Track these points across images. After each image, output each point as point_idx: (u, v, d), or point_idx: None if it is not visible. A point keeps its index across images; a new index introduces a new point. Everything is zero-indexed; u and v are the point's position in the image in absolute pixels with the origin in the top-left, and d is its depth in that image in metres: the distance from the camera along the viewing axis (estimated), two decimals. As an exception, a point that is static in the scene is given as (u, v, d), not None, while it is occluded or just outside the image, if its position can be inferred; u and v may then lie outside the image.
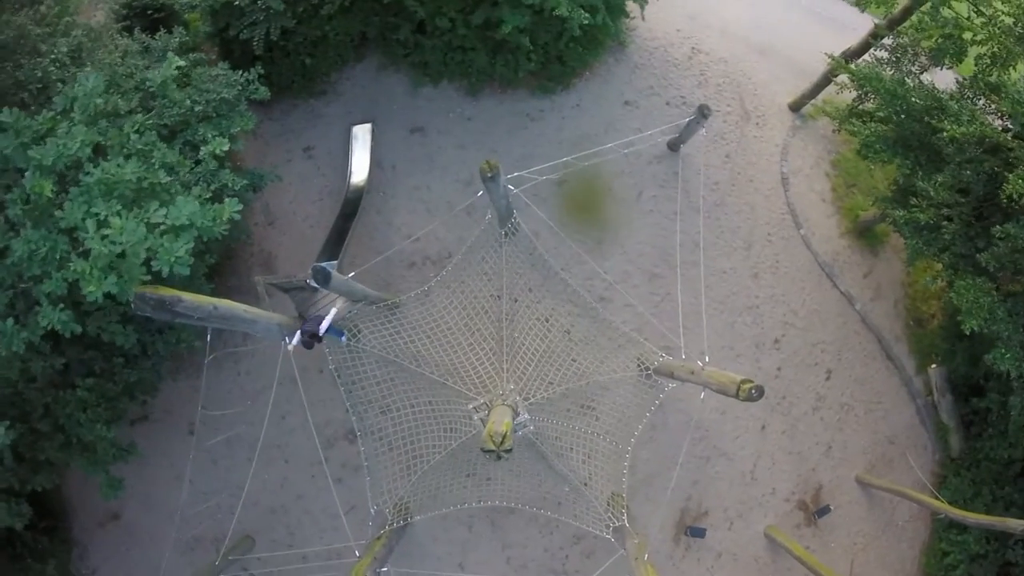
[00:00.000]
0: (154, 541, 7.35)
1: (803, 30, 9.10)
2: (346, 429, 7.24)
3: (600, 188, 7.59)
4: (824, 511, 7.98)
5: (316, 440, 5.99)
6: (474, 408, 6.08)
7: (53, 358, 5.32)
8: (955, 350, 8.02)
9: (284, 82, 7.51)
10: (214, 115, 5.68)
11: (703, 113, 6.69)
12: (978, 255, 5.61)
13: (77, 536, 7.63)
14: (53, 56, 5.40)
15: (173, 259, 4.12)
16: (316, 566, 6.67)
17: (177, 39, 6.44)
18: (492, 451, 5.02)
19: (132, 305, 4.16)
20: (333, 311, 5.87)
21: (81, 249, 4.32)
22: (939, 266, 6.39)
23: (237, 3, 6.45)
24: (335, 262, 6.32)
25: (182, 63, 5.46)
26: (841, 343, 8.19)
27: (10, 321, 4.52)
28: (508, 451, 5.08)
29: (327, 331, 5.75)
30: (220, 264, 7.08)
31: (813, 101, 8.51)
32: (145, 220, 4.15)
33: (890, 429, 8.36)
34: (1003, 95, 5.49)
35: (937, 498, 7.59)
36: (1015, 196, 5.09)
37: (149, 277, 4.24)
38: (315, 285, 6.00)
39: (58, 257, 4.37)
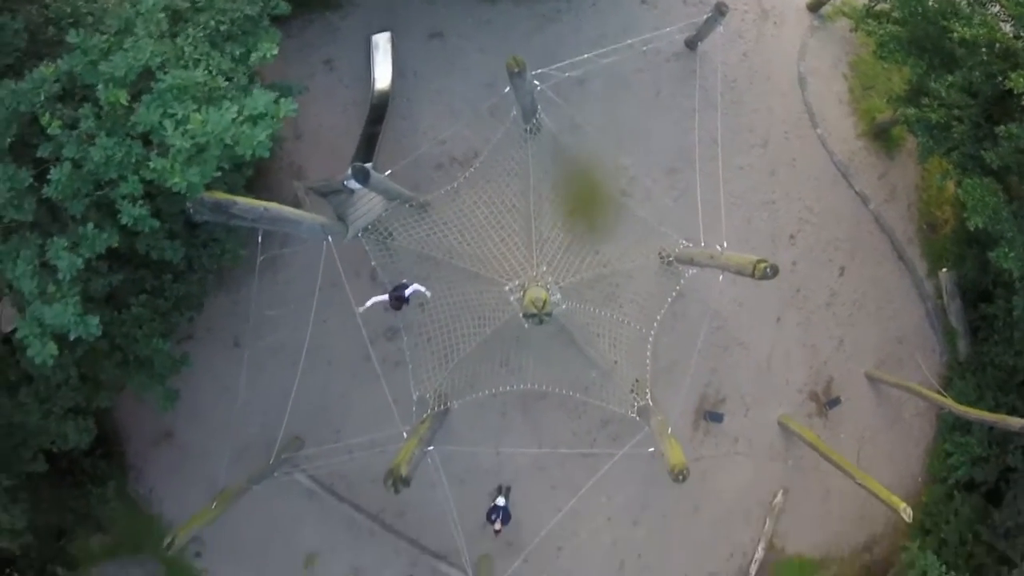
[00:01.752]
0: (206, 454, 7.79)
1: (822, -71, 8.89)
2: (384, 327, 7.67)
3: (620, 86, 7.69)
4: (835, 402, 8.41)
5: (364, 333, 6.39)
6: (509, 290, 6.44)
7: (111, 275, 5.64)
8: (965, 255, 8.15)
9: (300, -3, 7.50)
10: (239, 33, 5.65)
11: (720, 11, 6.70)
12: (983, 153, 5.74)
13: (132, 460, 8.07)
14: None
15: (256, 143, 4.48)
16: (361, 456, 7.19)
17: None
18: (535, 315, 5.40)
19: (191, 210, 4.50)
20: (416, 287, 6.26)
21: (156, 152, 4.67)
22: (949, 166, 6.51)
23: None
24: (370, 164, 6.58)
25: None
26: (855, 242, 8.41)
27: (90, 225, 4.85)
28: (548, 314, 5.46)
29: (412, 292, 6.22)
30: (254, 178, 7.33)
31: (832, 1, 8.41)
32: (223, 113, 4.52)
33: (899, 329, 8.65)
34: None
35: (942, 394, 7.86)
36: (1016, 92, 5.22)
37: (226, 166, 4.59)
38: (351, 187, 6.32)
39: (133, 160, 4.72)
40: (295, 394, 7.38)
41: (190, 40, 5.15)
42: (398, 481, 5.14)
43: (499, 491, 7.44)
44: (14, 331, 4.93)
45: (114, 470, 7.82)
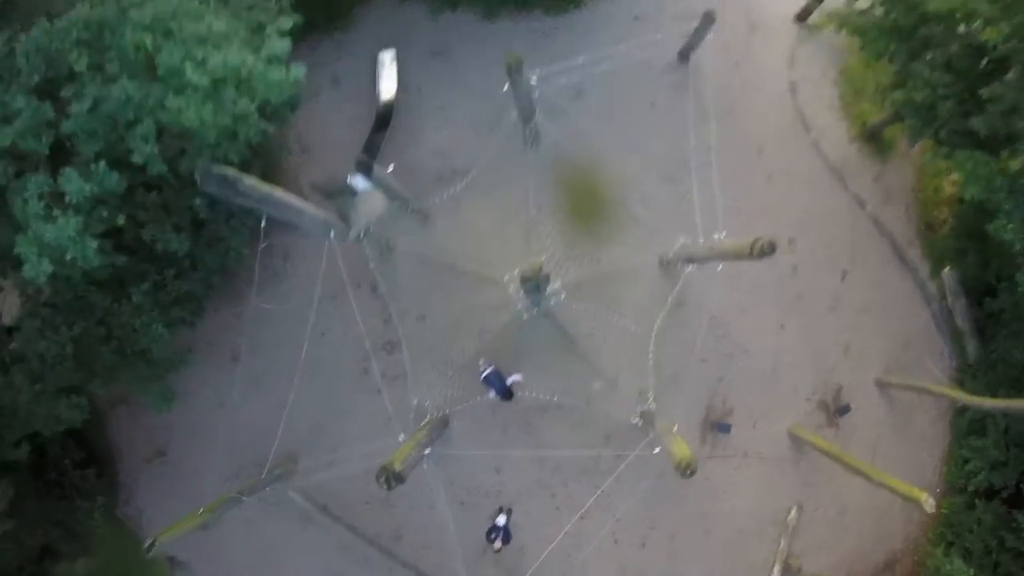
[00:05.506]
0: (199, 475, 7.63)
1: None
2: (384, 340, 7.58)
3: (616, 98, 7.82)
4: (845, 410, 8.18)
5: (367, 342, 6.34)
6: (508, 279, 6.38)
7: (115, 256, 5.65)
8: (966, 249, 8.11)
9: (309, 18, 7.75)
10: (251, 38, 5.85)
11: (709, 18, 6.91)
12: (971, 120, 5.77)
13: (123, 478, 7.93)
14: None
15: (272, 82, 4.59)
16: (357, 473, 6.91)
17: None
18: (530, 280, 5.14)
19: (198, 179, 4.53)
20: (517, 376, 6.50)
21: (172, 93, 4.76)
22: (939, 146, 6.52)
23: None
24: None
25: None
26: (854, 245, 8.36)
27: (102, 163, 4.92)
28: (546, 278, 5.24)
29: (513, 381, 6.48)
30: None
31: (819, 12, 8.64)
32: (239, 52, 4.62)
33: (906, 333, 8.50)
34: None
35: (957, 390, 7.72)
36: (991, 46, 5.34)
37: (243, 104, 4.62)
38: (355, 186, 6.42)
39: (151, 102, 4.84)
40: (289, 411, 7.22)
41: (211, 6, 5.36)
42: (391, 477, 4.92)
43: (500, 511, 7.23)
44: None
45: (104, 487, 7.65)
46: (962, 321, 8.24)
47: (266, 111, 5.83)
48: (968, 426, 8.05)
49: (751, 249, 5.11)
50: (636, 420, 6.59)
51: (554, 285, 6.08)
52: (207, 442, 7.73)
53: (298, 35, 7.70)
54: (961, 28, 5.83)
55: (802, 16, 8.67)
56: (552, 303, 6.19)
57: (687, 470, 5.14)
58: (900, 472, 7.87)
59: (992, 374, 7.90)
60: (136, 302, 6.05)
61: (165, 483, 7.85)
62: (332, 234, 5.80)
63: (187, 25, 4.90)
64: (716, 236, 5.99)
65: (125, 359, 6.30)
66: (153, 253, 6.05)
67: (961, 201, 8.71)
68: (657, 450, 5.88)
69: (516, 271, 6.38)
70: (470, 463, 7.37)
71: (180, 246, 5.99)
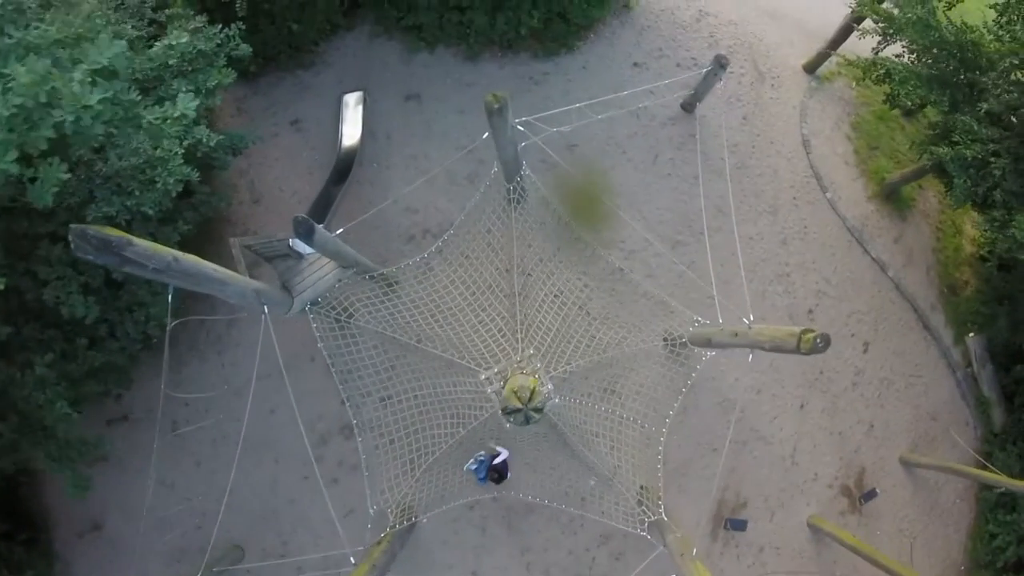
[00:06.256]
0: (137, 553, 6.62)
1: (812, -7, 8.84)
2: (342, 424, 6.51)
3: (614, 151, 7.08)
4: (871, 495, 7.33)
5: (305, 437, 5.22)
6: (487, 379, 5.27)
7: (5, 326, 4.66)
8: (996, 314, 7.60)
9: (270, 52, 7.00)
10: (189, 70, 5.15)
11: (720, 63, 6.22)
12: None
13: (59, 550, 6.94)
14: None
15: (81, 106, 3.29)
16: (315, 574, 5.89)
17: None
18: (519, 411, 4.22)
19: (71, 243, 3.27)
20: (506, 453, 5.32)
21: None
22: (989, 213, 5.90)
23: (215, -40, 5.99)
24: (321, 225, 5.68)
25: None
26: (877, 313, 7.63)
27: None
28: (538, 410, 4.26)
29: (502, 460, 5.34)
30: (196, 238, 6.38)
31: (828, 63, 8.15)
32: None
33: (931, 405, 7.79)
34: None
35: (990, 469, 6.99)
36: None
37: (51, 133, 3.38)
38: (299, 250, 5.38)
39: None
40: (235, 496, 6.22)
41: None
42: None
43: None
44: None
45: (36, 559, 6.62)
46: (988, 389, 7.70)
47: (195, 155, 5.02)
48: (997, 499, 7.47)
49: (798, 344, 4.01)
50: (642, 531, 5.46)
51: (546, 388, 4.97)
52: (147, 520, 6.57)
53: (256, 70, 6.95)
54: (1018, 75, 5.26)
55: (811, 67, 8.15)
56: (543, 407, 5.09)
57: None
58: (925, 552, 7.25)
59: (1023, 443, 7.33)
60: (40, 374, 5.03)
61: (102, 559, 6.79)
62: (266, 309, 4.56)
63: (13, 32, 3.64)
64: (745, 321, 4.77)
65: (33, 438, 5.27)
66: (59, 319, 5.06)
67: (983, 260, 8.34)
68: None
69: (496, 369, 5.35)
70: (443, 565, 6.27)
71: (88, 311, 5.01)
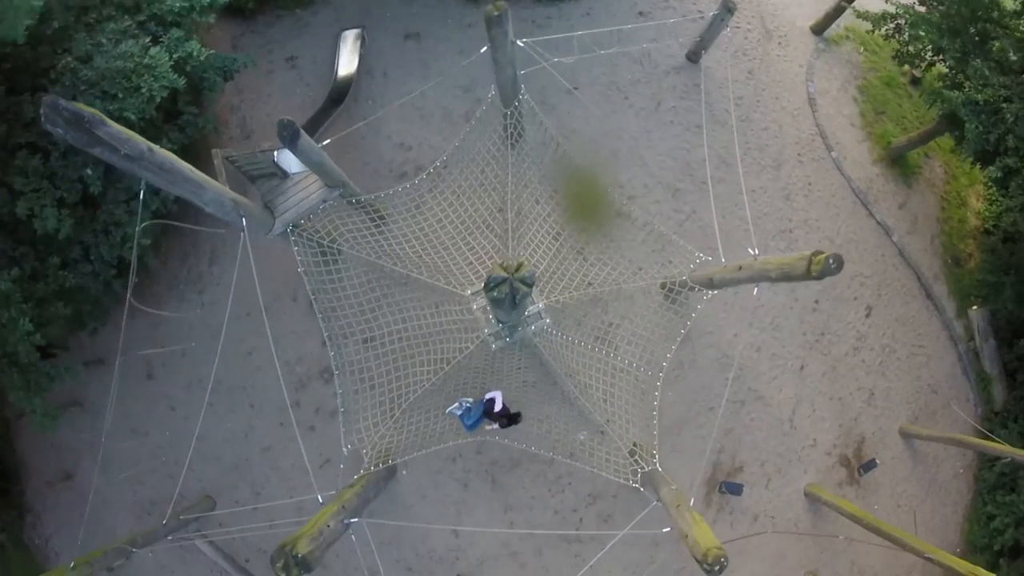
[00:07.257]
0: (108, 505, 6.41)
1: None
2: (322, 367, 6.21)
3: (616, 96, 6.84)
4: (870, 465, 7.08)
5: (282, 379, 4.88)
6: (472, 294, 4.80)
7: None
8: (1002, 283, 7.39)
9: (264, -13, 6.80)
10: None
11: (728, 8, 6.03)
12: None
13: (30, 501, 6.76)
14: None
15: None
16: (284, 530, 5.57)
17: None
18: (504, 281, 3.59)
19: (42, 114, 2.95)
20: (500, 394, 4.94)
21: None
22: (1005, 163, 5.69)
23: None
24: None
25: None
26: (880, 277, 7.42)
27: None
28: (526, 285, 3.66)
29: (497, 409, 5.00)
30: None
31: (836, 26, 8.01)
32: None
33: (932, 377, 7.56)
34: None
35: (996, 441, 6.73)
36: None
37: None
38: (284, 167, 5.10)
39: None
40: (208, 444, 6.02)
41: None
42: (293, 564, 3.36)
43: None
44: None
45: (5, 511, 6.51)
46: (990, 365, 7.50)
47: (184, 67, 4.78)
48: (996, 480, 7.23)
49: (809, 267, 3.54)
50: (635, 483, 5.16)
51: (536, 305, 4.56)
52: (117, 469, 6.42)
53: (254, 7, 6.71)
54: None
55: (818, 29, 8.00)
56: (532, 329, 4.70)
57: (715, 565, 3.60)
58: (922, 532, 6.99)
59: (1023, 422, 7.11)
60: (4, 289, 4.71)
61: (73, 510, 6.56)
62: (244, 223, 4.16)
63: None
64: (751, 252, 4.40)
65: (-4, 362, 4.89)
66: (33, 234, 4.78)
67: (988, 233, 8.18)
68: (666, 529, 4.44)
69: (481, 285, 4.98)
70: (421, 519, 5.95)
71: (60, 224, 4.75)
